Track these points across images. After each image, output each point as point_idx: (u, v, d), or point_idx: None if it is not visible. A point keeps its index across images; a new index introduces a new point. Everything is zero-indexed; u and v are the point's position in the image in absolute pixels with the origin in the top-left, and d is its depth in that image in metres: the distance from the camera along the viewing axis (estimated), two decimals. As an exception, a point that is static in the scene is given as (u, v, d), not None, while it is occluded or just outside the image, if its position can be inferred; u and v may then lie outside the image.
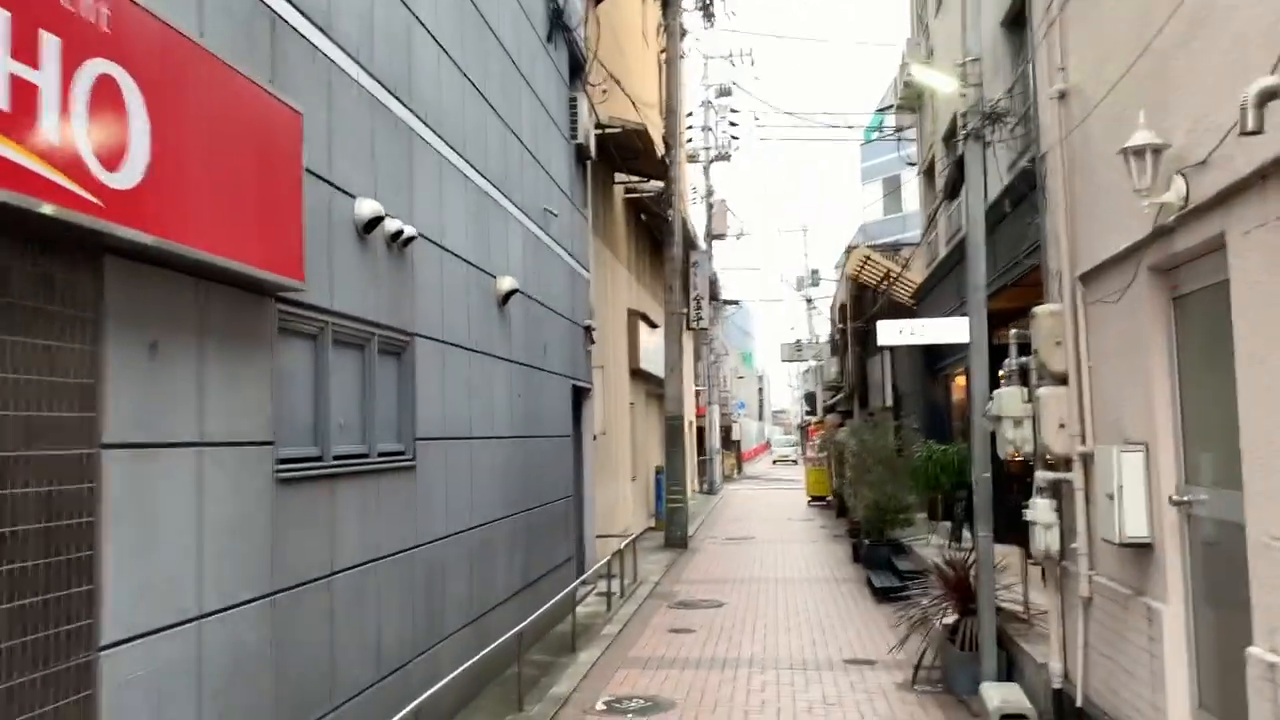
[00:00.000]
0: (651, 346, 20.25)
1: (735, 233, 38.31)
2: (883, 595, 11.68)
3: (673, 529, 17.74)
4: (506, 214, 9.10)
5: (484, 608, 7.96)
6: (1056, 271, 5.84)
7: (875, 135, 35.94)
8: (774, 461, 65.00)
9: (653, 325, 20.60)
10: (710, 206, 35.17)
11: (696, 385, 36.88)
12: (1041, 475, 5.87)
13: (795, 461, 56.22)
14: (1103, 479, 4.85)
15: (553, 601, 9.08)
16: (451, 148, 7.51)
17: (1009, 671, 7.02)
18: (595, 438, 13.94)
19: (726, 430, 44.56)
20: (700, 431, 36.34)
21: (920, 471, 13.76)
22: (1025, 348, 6.33)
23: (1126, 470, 4.60)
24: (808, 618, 10.84)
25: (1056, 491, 5.85)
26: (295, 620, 4.86)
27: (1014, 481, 10.73)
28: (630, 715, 7.12)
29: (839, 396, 32.54)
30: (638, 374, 19.61)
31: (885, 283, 19.90)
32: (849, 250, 24.24)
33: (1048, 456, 5.80)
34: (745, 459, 55.62)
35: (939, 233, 17.17)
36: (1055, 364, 5.72)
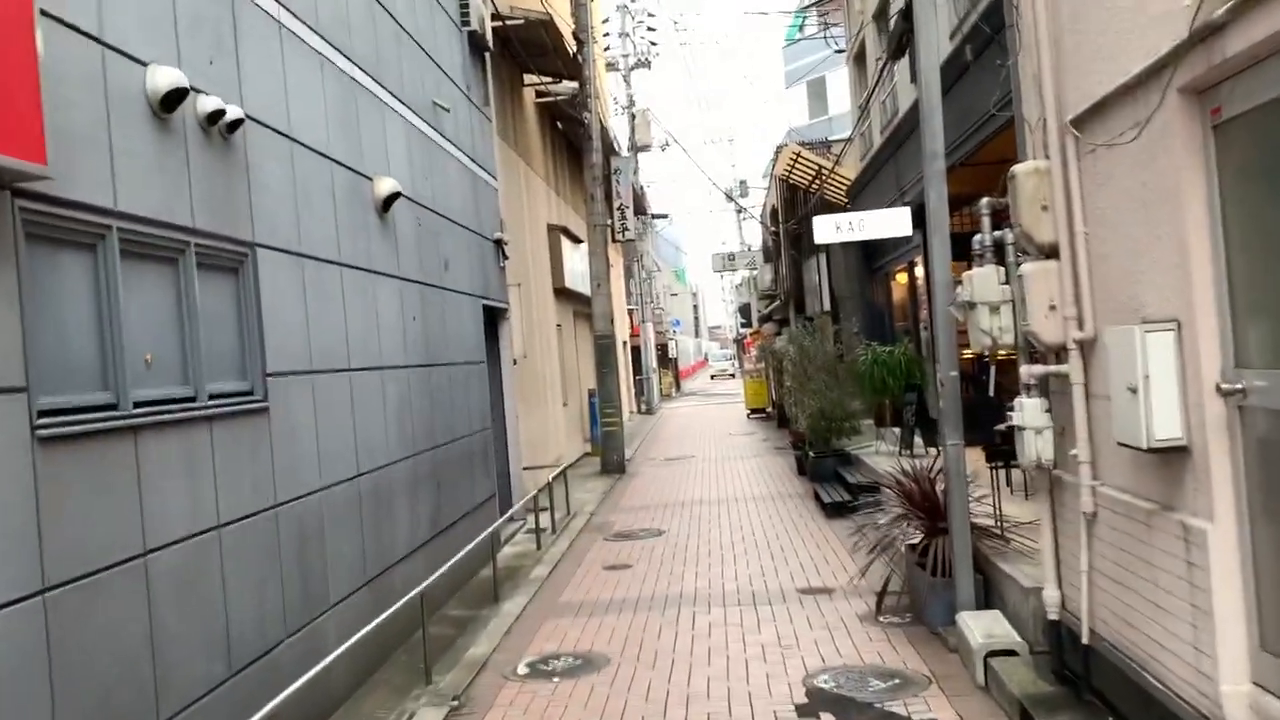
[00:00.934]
0: (577, 264, 18.97)
1: (660, 143, 36.84)
2: (833, 511, 10.88)
3: (609, 453, 16.80)
4: (382, 105, 7.72)
5: (383, 565, 6.84)
6: (1039, 120, 4.76)
7: (799, 35, 34.44)
8: (712, 377, 64.64)
9: (576, 240, 19.29)
10: (633, 117, 33.58)
11: (629, 304, 35.73)
12: (1028, 370, 4.87)
13: (733, 375, 55.77)
14: (1118, 369, 3.85)
15: (469, 548, 8.00)
16: (295, 16, 6.12)
17: (987, 597, 6.15)
18: (516, 362, 12.76)
19: (662, 348, 43.62)
20: (636, 351, 35.36)
21: (866, 376, 12.93)
22: (999, 222, 5.28)
23: (1153, 356, 3.60)
24: (755, 542, 9.96)
25: (1046, 388, 4.88)
26: (89, 620, 3.68)
27: (968, 380, 9.90)
28: (557, 679, 6.12)
29: (774, 305, 31.65)
30: (564, 293, 18.36)
31: (817, 181, 18.83)
32: (778, 150, 23.01)
33: (1035, 346, 4.81)
34: (683, 376, 55.04)
35: (872, 123, 16.08)
36: (1042, 233, 4.68)
